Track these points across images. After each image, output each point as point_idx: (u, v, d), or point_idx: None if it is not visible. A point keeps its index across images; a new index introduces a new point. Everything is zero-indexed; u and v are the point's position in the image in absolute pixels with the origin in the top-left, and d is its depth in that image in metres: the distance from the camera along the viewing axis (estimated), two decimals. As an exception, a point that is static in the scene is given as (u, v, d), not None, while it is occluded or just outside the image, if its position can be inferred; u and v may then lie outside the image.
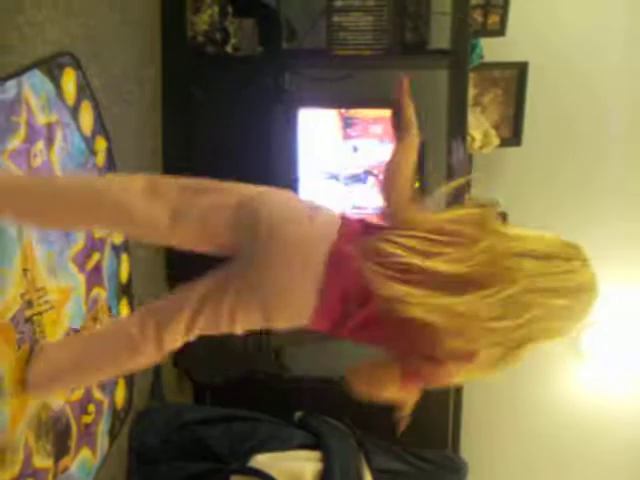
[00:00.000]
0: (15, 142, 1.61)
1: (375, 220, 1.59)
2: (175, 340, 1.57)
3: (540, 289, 1.34)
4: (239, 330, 1.53)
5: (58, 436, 1.82)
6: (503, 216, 3.03)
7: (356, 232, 1.48)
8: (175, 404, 2.74)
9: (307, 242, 1.45)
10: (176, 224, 1.49)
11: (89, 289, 2.04)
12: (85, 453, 1.99)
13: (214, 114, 2.78)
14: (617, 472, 3.14)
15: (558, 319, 1.38)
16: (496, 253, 1.35)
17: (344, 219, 1.52)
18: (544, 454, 3.19)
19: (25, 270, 1.64)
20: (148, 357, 1.59)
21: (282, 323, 1.52)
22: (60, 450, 1.83)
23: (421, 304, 1.32)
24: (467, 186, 2.84)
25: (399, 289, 1.33)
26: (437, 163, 2.58)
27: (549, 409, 3.15)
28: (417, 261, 1.34)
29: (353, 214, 1.59)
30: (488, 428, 3.16)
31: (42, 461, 1.73)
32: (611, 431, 3.10)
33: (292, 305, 1.47)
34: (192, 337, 1.58)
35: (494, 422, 3.18)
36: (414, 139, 1.57)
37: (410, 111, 1.59)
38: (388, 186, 1.53)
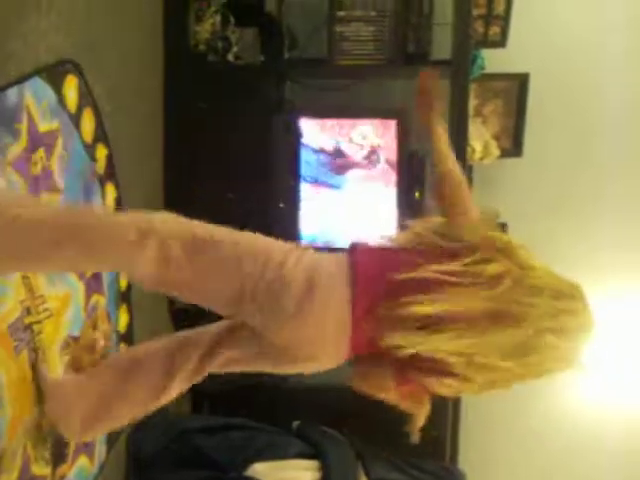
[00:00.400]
0: (17, 149, 1.61)
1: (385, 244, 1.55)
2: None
3: (547, 329, 1.37)
4: None
5: (56, 444, 1.81)
6: (503, 227, 3.04)
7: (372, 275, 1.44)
8: (173, 413, 2.73)
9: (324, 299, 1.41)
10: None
11: (88, 296, 2.04)
12: (83, 461, 1.98)
13: (215, 122, 2.79)
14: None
15: (554, 360, 1.42)
16: (515, 291, 1.37)
17: (352, 262, 1.47)
18: (543, 466, 3.18)
19: (24, 278, 1.64)
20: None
21: (320, 369, 1.54)
22: (58, 458, 1.82)
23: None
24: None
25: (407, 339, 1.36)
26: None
27: (548, 421, 3.15)
28: (431, 309, 1.35)
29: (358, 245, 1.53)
30: (486, 439, 3.15)
31: (40, 469, 1.72)
32: (610, 442, 3.09)
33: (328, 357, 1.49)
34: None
35: (493, 433, 3.18)
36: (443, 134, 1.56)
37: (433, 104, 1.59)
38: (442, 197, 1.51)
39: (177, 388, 1.64)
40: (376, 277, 1.42)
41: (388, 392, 1.49)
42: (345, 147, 2.79)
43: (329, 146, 2.81)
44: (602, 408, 3.12)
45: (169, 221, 1.42)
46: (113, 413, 1.67)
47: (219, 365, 1.60)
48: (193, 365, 1.60)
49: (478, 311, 1.36)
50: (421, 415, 1.57)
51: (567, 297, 1.41)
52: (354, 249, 1.50)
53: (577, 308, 1.42)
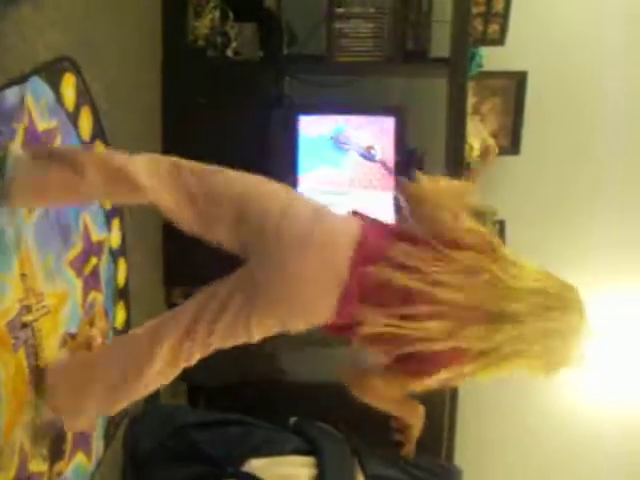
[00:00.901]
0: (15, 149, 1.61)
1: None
2: (191, 356, 1.57)
3: (533, 330, 1.37)
4: (257, 338, 1.53)
5: (53, 440, 1.82)
6: (501, 224, 3.04)
7: (376, 238, 1.47)
8: (170, 407, 2.74)
9: (328, 244, 1.44)
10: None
11: (86, 293, 2.05)
12: (80, 457, 1.99)
13: (214, 117, 2.79)
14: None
15: (539, 357, 1.40)
16: (497, 288, 1.37)
17: (362, 221, 1.51)
18: (539, 465, 3.20)
19: (23, 275, 1.65)
20: (164, 376, 1.60)
21: (300, 326, 1.51)
22: (55, 454, 1.83)
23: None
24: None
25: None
26: (435, 171, 2.59)
27: (546, 420, 3.16)
28: (419, 286, 1.37)
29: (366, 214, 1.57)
30: (483, 437, 3.17)
31: (37, 466, 1.73)
32: (608, 442, 3.10)
33: (312, 310, 1.47)
34: (208, 352, 1.57)
35: (489, 431, 3.19)
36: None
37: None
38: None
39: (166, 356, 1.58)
40: (375, 251, 1.44)
41: (377, 387, 1.50)
42: (346, 132, 2.78)
43: (329, 131, 2.80)
44: (600, 408, 3.13)
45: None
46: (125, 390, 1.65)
47: (203, 334, 1.53)
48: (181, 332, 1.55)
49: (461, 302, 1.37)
50: (416, 427, 1.58)
51: (554, 298, 1.40)
52: (362, 217, 1.54)
53: (566, 309, 1.41)
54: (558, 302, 1.40)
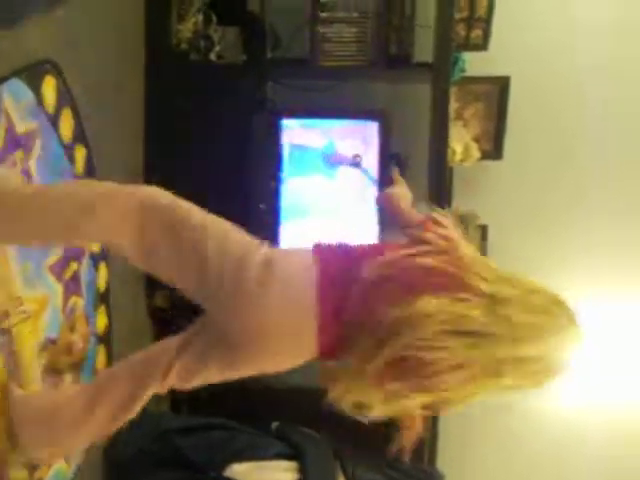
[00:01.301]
0: (-7, 151, 1.60)
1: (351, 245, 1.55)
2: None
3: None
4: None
5: (32, 447, 1.79)
6: (483, 228, 3.06)
7: (340, 261, 1.45)
8: (153, 413, 2.72)
9: (287, 285, 1.41)
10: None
11: (67, 298, 2.03)
12: (59, 464, 1.97)
13: (196, 121, 2.78)
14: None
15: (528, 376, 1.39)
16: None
17: (319, 251, 1.49)
18: (521, 469, 3.21)
19: (1, 281, 1.63)
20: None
21: (286, 367, 1.52)
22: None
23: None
24: (448, 199, 2.86)
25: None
26: (418, 176, 2.60)
27: (529, 423, 3.17)
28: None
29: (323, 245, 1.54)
30: (465, 440, 3.18)
31: (17, 473, 1.71)
32: (592, 446, 3.11)
33: (293, 352, 1.47)
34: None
35: (472, 434, 3.20)
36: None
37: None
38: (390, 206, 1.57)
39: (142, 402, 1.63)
40: (341, 275, 1.41)
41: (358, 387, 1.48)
42: (336, 149, 2.78)
43: (318, 145, 2.80)
44: (584, 411, 3.14)
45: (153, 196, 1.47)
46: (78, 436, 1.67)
47: (178, 378, 1.58)
48: (157, 382, 1.59)
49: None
50: (412, 433, 1.56)
51: (545, 312, 1.36)
52: (318, 247, 1.51)
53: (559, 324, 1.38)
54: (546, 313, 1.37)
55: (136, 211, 1.43)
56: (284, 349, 1.46)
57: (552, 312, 1.38)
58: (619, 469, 3.11)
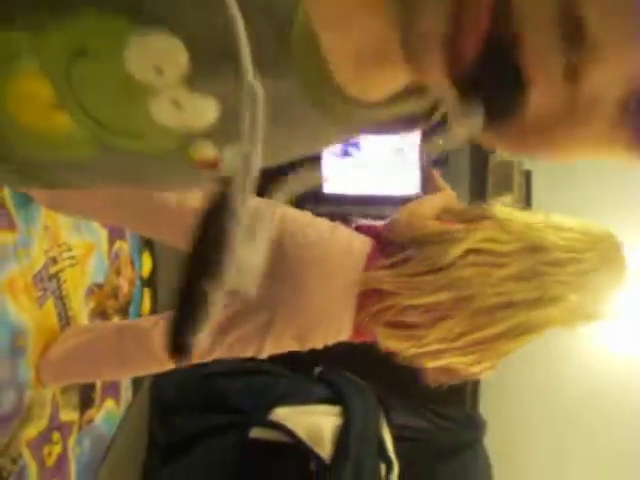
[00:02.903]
0: None
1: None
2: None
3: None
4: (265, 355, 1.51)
5: (84, 388, 1.83)
6: (527, 174, 2.97)
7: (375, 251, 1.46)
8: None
9: (340, 265, 1.42)
10: None
11: (112, 242, 2.03)
12: (109, 404, 2.01)
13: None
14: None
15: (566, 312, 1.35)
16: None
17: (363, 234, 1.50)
18: (566, 413, 3.19)
19: (46, 227, 1.63)
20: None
21: (319, 344, 1.50)
22: (85, 402, 1.85)
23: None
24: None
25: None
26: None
27: (575, 366, 3.13)
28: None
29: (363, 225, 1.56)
30: (508, 385, 3.16)
31: (68, 415, 1.75)
32: (634, 398, 3.06)
33: (331, 329, 1.46)
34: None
35: (514, 379, 3.18)
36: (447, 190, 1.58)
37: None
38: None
39: None
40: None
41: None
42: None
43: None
44: (631, 362, 3.09)
45: None
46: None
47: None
48: None
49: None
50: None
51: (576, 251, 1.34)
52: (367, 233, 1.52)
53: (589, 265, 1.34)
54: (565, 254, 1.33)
55: None
56: (324, 314, 1.45)
57: (594, 248, 1.35)
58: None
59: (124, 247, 2.14)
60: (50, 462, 1.64)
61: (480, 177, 2.89)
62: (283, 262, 1.41)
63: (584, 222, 1.41)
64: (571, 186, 3.00)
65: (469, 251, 1.34)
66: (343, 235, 1.46)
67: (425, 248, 1.37)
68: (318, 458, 2.16)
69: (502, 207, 1.42)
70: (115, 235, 2.06)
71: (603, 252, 1.36)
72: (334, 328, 1.45)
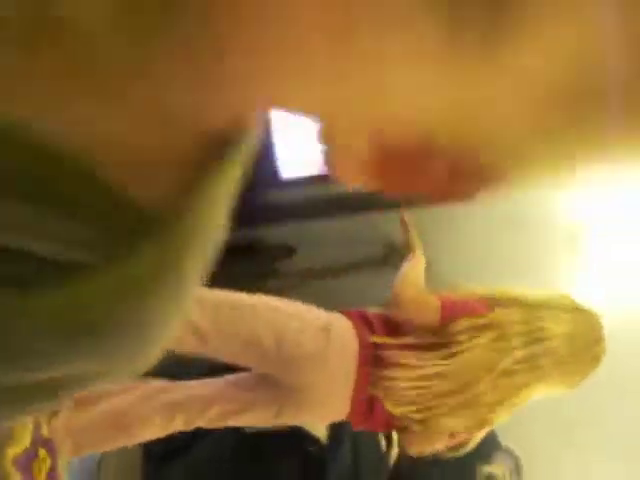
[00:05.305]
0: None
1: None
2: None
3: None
4: None
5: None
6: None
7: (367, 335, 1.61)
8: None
9: (339, 366, 1.56)
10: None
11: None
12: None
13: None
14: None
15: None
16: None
17: (355, 325, 1.63)
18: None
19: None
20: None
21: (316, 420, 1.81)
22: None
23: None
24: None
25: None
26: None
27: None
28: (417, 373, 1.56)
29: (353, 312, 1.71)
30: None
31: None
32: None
33: (332, 416, 1.68)
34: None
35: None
36: (420, 257, 1.68)
37: (412, 236, 1.73)
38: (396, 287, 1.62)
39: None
40: (368, 347, 1.58)
41: None
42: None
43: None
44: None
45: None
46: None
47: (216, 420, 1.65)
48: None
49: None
50: None
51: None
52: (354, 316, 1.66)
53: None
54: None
55: None
56: (326, 404, 1.62)
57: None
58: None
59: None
60: (41, 479, 1.61)
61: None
62: (285, 373, 1.56)
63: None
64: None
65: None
66: (336, 334, 1.58)
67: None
68: (315, 439, 2.14)
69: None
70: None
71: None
72: (335, 413, 1.63)
